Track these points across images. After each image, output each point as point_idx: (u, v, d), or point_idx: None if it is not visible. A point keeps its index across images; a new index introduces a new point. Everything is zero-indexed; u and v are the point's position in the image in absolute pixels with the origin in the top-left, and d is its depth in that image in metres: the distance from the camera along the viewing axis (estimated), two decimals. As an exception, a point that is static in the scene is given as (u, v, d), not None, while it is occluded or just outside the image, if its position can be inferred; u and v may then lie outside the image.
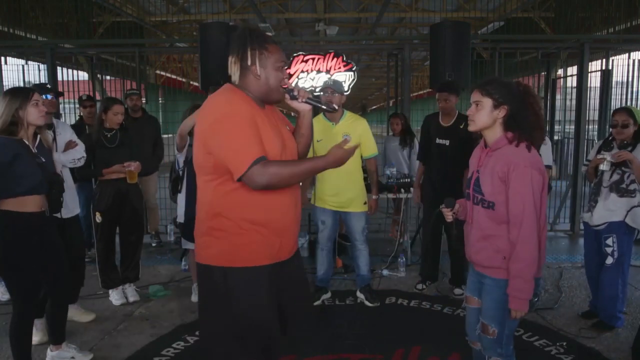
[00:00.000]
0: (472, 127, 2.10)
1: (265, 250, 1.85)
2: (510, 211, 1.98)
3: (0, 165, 2.47)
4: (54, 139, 3.32)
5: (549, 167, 3.60)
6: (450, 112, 3.93)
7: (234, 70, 1.85)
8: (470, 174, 2.17)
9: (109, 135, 3.70)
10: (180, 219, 3.84)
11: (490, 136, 2.07)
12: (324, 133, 3.60)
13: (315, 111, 3.83)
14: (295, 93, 1.92)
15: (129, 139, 3.80)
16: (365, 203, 3.82)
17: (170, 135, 7.95)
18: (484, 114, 2.03)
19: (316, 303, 3.82)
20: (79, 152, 3.40)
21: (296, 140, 2.00)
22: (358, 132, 3.70)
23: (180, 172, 3.79)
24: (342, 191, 3.69)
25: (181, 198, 3.81)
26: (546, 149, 3.62)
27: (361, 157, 3.83)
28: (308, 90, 1.98)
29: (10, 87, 6.88)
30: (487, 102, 2.02)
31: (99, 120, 3.73)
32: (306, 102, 1.94)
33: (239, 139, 1.73)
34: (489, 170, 2.04)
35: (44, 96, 3.27)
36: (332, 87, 3.64)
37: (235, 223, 1.81)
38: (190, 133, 3.74)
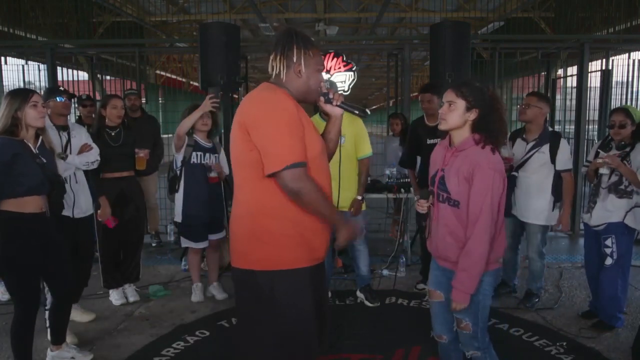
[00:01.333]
0: (442, 126, 2.15)
1: (307, 252, 1.84)
2: (469, 209, 2.04)
3: (0, 164, 2.47)
4: (69, 141, 3.33)
5: (571, 170, 3.61)
6: (434, 113, 3.94)
7: (278, 67, 1.83)
8: (434, 172, 2.21)
9: (112, 134, 3.70)
10: (178, 218, 3.84)
11: (457, 136, 2.13)
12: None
13: (315, 111, 3.84)
14: (331, 96, 1.92)
15: (133, 138, 3.80)
16: (362, 202, 3.78)
17: (170, 135, 7.94)
18: (456, 115, 2.09)
19: None
20: (93, 156, 3.40)
21: None
22: (354, 132, 3.66)
23: (178, 172, 3.80)
24: (341, 191, 3.67)
25: (179, 197, 3.82)
26: (567, 152, 3.60)
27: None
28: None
29: (10, 87, 6.94)
30: (461, 104, 2.08)
31: (99, 118, 3.72)
32: (339, 106, 1.94)
33: (286, 136, 1.71)
34: (454, 170, 2.09)
35: (57, 99, 3.29)
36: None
37: (281, 224, 1.79)
38: (189, 133, 3.74)
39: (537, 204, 3.57)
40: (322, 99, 1.92)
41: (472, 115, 2.07)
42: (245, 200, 1.83)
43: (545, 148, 3.52)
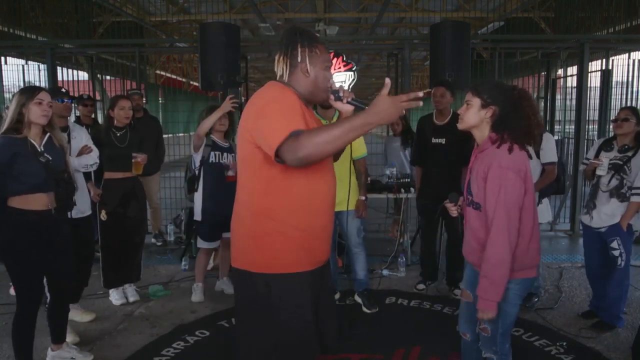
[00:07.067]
0: (460, 125, 2.14)
1: (307, 255, 1.81)
2: (486, 212, 2.01)
3: (0, 164, 2.48)
4: (68, 142, 3.31)
5: (553, 163, 3.54)
6: (445, 110, 3.91)
7: (282, 67, 1.83)
8: (468, 175, 2.20)
9: (118, 135, 3.71)
10: (198, 217, 3.87)
11: (478, 136, 2.12)
12: None
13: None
14: (341, 94, 1.90)
15: (139, 139, 3.81)
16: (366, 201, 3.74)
17: (170, 135, 7.94)
18: (472, 113, 2.08)
19: None
20: (92, 158, 3.40)
21: None
22: None
23: (197, 172, 3.82)
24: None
25: (197, 197, 3.84)
26: (549, 146, 3.58)
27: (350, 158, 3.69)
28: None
29: (10, 87, 6.93)
30: (476, 102, 2.07)
31: (107, 119, 3.75)
32: (350, 103, 1.92)
33: (280, 118, 1.65)
34: (475, 172, 2.08)
35: (58, 100, 3.29)
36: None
37: (280, 226, 1.76)
38: (207, 134, 3.76)
39: None
40: (332, 96, 1.90)
41: (489, 112, 2.04)
42: (247, 200, 1.82)
43: None
